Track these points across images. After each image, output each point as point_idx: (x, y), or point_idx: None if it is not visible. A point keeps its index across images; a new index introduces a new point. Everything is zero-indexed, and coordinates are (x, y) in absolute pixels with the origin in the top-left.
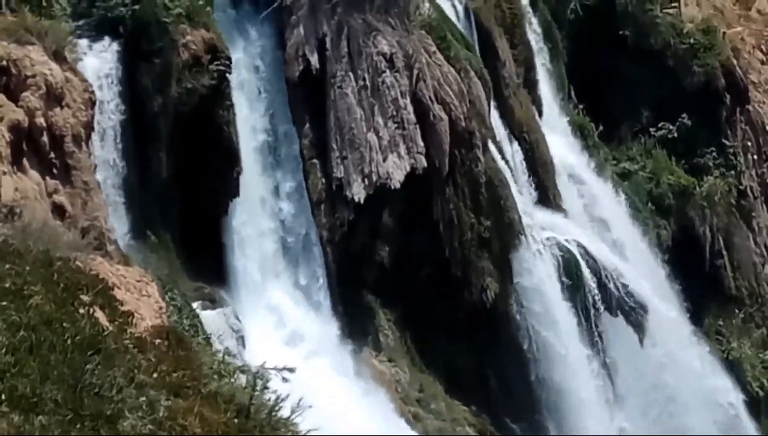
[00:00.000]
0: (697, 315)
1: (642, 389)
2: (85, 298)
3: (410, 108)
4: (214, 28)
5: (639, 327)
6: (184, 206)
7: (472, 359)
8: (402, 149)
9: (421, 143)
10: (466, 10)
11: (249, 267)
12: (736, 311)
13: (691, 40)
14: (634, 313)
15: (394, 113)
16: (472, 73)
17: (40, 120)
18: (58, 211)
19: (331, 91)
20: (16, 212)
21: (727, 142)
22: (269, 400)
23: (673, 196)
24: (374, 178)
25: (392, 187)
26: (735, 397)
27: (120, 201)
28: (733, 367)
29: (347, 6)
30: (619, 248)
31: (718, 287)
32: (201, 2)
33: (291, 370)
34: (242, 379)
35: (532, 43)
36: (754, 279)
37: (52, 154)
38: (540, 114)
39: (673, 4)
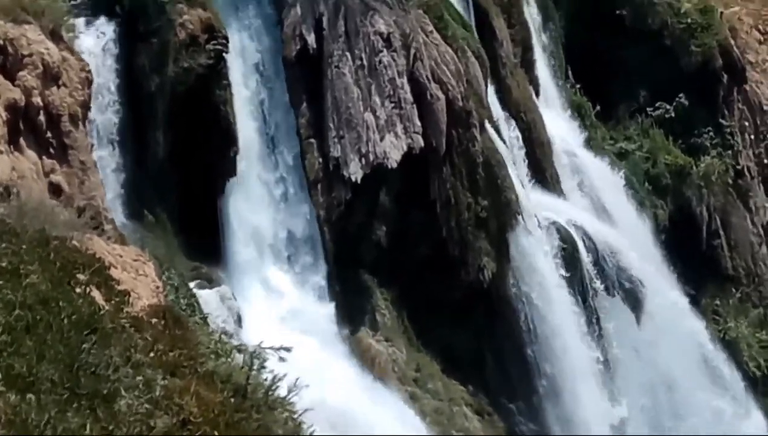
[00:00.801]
0: (694, 295)
1: (639, 368)
2: (81, 277)
3: (407, 87)
4: (211, 7)
5: (636, 306)
6: (181, 186)
7: (470, 339)
8: (399, 129)
9: (418, 123)
10: None
11: (246, 246)
12: (733, 290)
13: (689, 20)
14: (631, 292)
15: (391, 93)
16: (469, 53)
17: (37, 99)
18: (55, 190)
19: (328, 71)
20: (12, 192)
21: (724, 122)
22: (266, 379)
23: (670, 175)
24: (371, 157)
25: (389, 167)
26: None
27: (117, 181)
28: (729, 347)
29: None
30: (616, 227)
31: (715, 267)
32: None
33: (288, 349)
34: (239, 358)
35: (530, 22)
36: (751, 259)
37: (49, 134)
38: (537, 94)
39: None
